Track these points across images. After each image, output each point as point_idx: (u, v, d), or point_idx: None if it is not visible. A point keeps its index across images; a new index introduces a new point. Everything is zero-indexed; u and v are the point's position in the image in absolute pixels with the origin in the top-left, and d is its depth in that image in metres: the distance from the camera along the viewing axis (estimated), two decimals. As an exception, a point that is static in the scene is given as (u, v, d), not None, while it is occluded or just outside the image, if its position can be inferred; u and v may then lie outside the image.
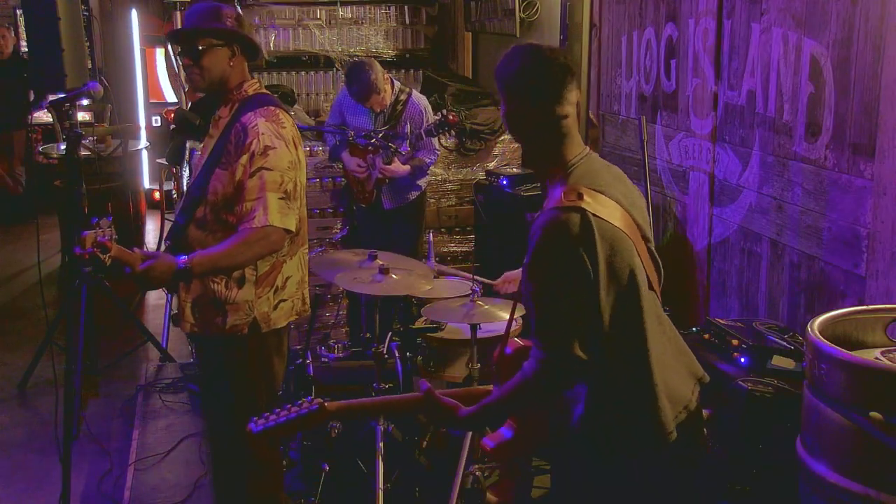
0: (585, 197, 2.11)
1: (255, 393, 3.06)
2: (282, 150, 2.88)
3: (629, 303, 2.13)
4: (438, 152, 5.29)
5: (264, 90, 3.10)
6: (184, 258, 2.74)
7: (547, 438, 2.29)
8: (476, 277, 3.77)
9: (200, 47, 2.96)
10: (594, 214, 2.09)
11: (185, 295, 3.03)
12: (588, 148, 2.25)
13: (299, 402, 2.21)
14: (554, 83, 2.14)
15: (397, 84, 5.11)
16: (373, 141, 4.88)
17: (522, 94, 2.16)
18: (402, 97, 5.07)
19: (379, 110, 5.02)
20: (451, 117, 4.70)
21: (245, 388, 3.04)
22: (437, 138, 5.09)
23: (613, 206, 2.16)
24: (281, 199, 2.85)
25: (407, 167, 5.02)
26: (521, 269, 3.91)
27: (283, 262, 3.01)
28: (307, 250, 3.18)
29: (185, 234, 2.97)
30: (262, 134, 2.86)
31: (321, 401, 2.20)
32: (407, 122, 5.01)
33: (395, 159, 4.95)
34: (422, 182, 5.27)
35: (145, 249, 2.80)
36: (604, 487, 2.22)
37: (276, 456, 3.25)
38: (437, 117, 4.86)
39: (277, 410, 2.19)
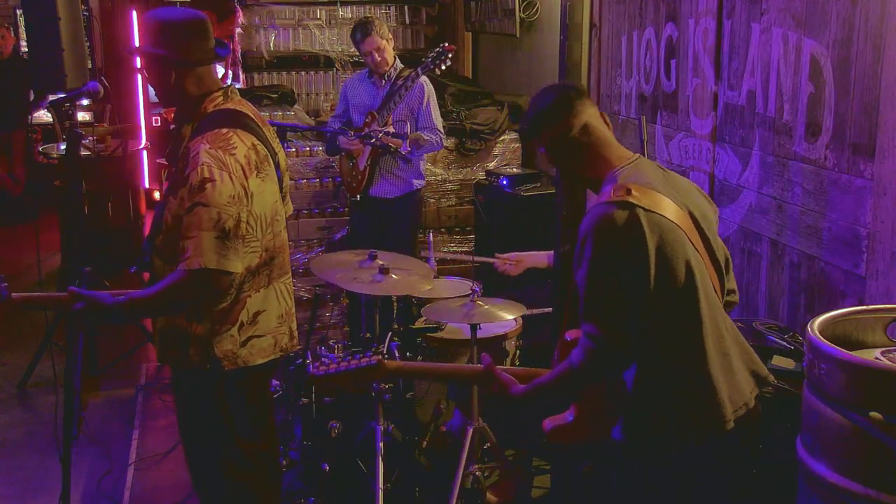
0: (634, 192, 2.18)
1: (225, 425, 2.89)
2: (222, 182, 2.59)
3: (685, 293, 2.19)
4: (442, 133, 5.13)
5: (227, 104, 2.80)
6: (122, 299, 2.64)
7: (607, 433, 2.34)
8: (476, 258, 3.78)
9: (146, 68, 2.79)
10: (643, 207, 2.16)
11: (154, 322, 2.91)
12: (639, 155, 2.36)
13: (359, 354, 2.31)
14: (559, 101, 2.32)
15: (399, 63, 5.10)
16: (369, 123, 4.89)
17: (540, 126, 2.33)
18: (410, 76, 4.95)
19: (378, 60, 4.97)
20: (447, 45, 4.70)
21: (213, 421, 2.89)
22: (435, 116, 5.00)
23: (666, 202, 2.23)
24: (217, 237, 2.57)
25: (400, 141, 4.90)
26: (528, 253, 3.96)
27: (247, 297, 2.78)
28: (290, 279, 2.95)
29: (151, 263, 2.84)
30: (202, 165, 2.59)
31: (380, 357, 2.32)
32: (406, 101, 4.95)
33: (389, 120, 4.89)
34: (417, 182, 5.20)
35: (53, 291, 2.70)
36: (656, 477, 2.29)
37: (264, 479, 3.08)
38: (432, 51, 4.85)
39: (339, 358, 2.31)
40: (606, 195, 2.21)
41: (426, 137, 5.00)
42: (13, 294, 2.65)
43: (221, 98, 2.81)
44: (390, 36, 5.07)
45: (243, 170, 2.67)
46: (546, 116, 2.33)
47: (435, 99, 5.13)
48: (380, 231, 5.11)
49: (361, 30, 4.98)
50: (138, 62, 2.95)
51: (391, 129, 4.80)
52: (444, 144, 5.85)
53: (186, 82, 2.77)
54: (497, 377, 2.34)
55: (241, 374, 2.82)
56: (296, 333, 2.99)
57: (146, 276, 2.92)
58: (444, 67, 4.94)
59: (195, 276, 2.58)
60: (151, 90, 9.56)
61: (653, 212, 2.17)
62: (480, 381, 2.37)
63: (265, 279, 2.82)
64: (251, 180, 2.69)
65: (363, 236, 5.14)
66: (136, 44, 2.94)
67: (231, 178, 2.62)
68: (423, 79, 5.04)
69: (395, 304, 3.89)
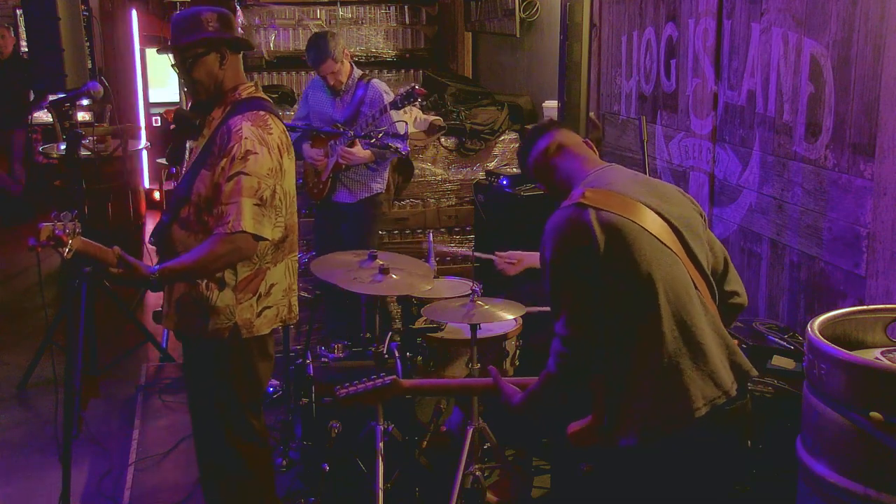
0: (587, 193, 2.27)
1: (239, 396, 3.05)
2: (263, 156, 2.82)
3: (641, 287, 2.22)
4: (406, 138, 5.03)
5: (260, 94, 3.05)
6: (155, 269, 2.74)
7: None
8: (476, 254, 3.78)
9: (189, 60, 2.93)
10: (595, 207, 2.23)
11: (170, 293, 3.02)
12: (612, 164, 2.49)
13: (374, 377, 2.62)
14: (535, 131, 2.57)
15: (357, 70, 5.07)
16: (339, 129, 4.86)
17: (526, 152, 2.56)
18: (364, 80, 5.00)
19: (333, 83, 4.94)
20: (417, 88, 4.63)
21: (228, 391, 3.03)
22: (403, 121, 4.94)
23: (626, 201, 2.27)
24: (256, 205, 2.79)
25: (368, 152, 4.91)
26: (527, 252, 4.00)
27: (267, 269, 2.98)
28: (296, 258, 3.15)
29: (170, 233, 2.96)
30: (245, 138, 2.81)
31: (395, 377, 2.63)
32: (366, 103, 4.93)
33: (357, 142, 4.86)
34: (376, 185, 5.10)
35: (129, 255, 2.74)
36: (627, 469, 2.31)
37: (267, 461, 3.24)
38: (402, 90, 4.78)
39: (358, 382, 2.63)
40: (567, 200, 2.32)
41: (393, 147, 4.98)
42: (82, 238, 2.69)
43: (253, 88, 3.05)
44: (346, 50, 4.98)
45: (279, 148, 2.91)
46: (528, 146, 2.56)
47: (392, 96, 5.08)
48: (340, 232, 5.06)
49: (315, 55, 4.86)
50: (172, 59, 3.02)
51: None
52: (444, 144, 5.87)
53: (226, 69, 2.96)
54: (501, 389, 2.45)
55: (252, 343, 3.00)
56: (295, 307, 3.16)
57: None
58: (413, 106, 4.90)
59: (236, 239, 2.76)
60: (147, 91, 9.65)
61: (606, 211, 2.23)
62: (489, 394, 2.51)
63: (281, 254, 3.02)
64: (284, 158, 2.94)
65: (325, 237, 5.12)
66: (179, 38, 2.97)
67: (269, 153, 2.85)
68: (383, 86, 5.02)
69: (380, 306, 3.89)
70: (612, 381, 2.26)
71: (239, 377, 3.03)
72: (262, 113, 2.91)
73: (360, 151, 4.91)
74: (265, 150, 2.83)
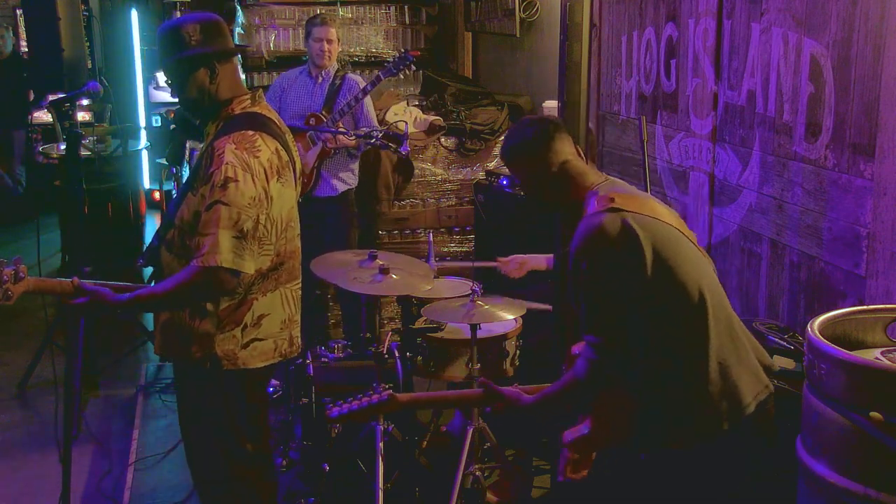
0: (617, 200, 2.23)
1: (222, 424, 2.91)
2: (245, 183, 2.63)
3: (687, 286, 2.21)
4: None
5: (255, 107, 2.86)
6: (126, 296, 2.67)
7: (625, 439, 2.38)
8: (477, 263, 3.79)
9: (177, 80, 2.81)
10: (631, 211, 2.20)
11: (157, 316, 2.93)
12: (610, 177, 2.44)
13: (370, 392, 2.44)
14: (538, 138, 2.38)
15: (337, 65, 5.15)
16: (311, 119, 4.89)
17: (518, 161, 2.42)
18: (340, 74, 5.09)
19: (325, 50, 5.00)
20: (411, 51, 4.69)
21: (212, 419, 2.91)
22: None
23: (653, 203, 2.29)
24: (235, 237, 2.61)
25: (353, 140, 4.94)
26: (529, 255, 3.99)
27: (254, 299, 2.80)
28: (298, 286, 2.96)
29: (158, 256, 2.86)
30: (227, 163, 2.63)
31: (391, 392, 2.45)
32: (346, 93, 5.00)
33: (340, 125, 4.91)
34: (350, 180, 5.18)
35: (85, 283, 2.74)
36: (656, 479, 2.33)
37: (264, 479, 3.10)
38: (396, 54, 4.84)
39: (352, 399, 2.44)
40: (592, 208, 2.25)
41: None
42: (28, 277, 2.69)
43: (249, 101, 2.85)
44: (339, 38, 5.14)
45: (266, 173, 2.70)
46: (524, 152, 2.41)
47: (369, 99, 5.13)
48: (320, 231, 5.03)
49: (322, 18, 5.06)
50: (163, 76, 2.93)
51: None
52: (444, 144, 5.87)
53: (218, 82, 2.80)
54: (501, 394, 2.42)
55: (239, 376, 2.84)
56: (297, 340, 2.99)
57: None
58: (408, 72, 4.93)
59: (208, 273, 2.61)
60: (149, 91, 9.65)
61: (641, 214, 2.21)
62: (487, 403, 2.45)
63: (273, 283, 2.84)
64: (272, 184, 2.73)
65: (305, 236, 5.12)
66: (162, 57, 2.88)
67: (254, 180, 2.66)
68: (358, 78, 5.11)
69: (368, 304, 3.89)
70: (650, 388, 2.25)
71: (226, 403, 2.89)
72: (249, 133, 2.71)
73: (345, 139, 4.93)
74: (248, 177, 2.64)
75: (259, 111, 2.86)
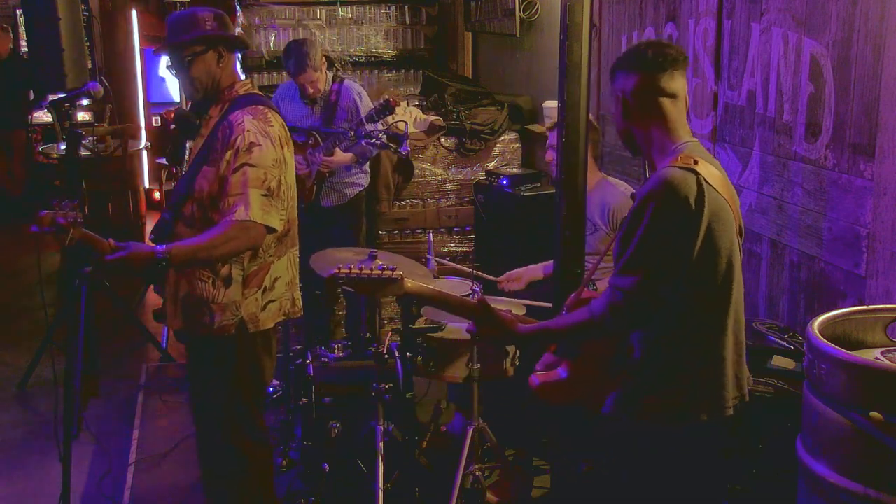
0: (700, 165, 2.22)
1: (244, 393, 3.07)
2: (267, 147, 2.86)
3: (722, 271, 2.22)
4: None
5: (255, 91, 3.09)
6: (162, 247, 2.74)
7: (598, 403, 2.34)
8: (478, 273, 3.79)
9: (187, 59, 2.95)
10: (706, 180, 2.20)
11: (173, 293, 3.02)
12: (695, 139, 2.36)
13: (382, 266, 2.34)
14: (666, 60, 2.27)
15: (330, 74, 5.07)
16: (311, 139, 4.86)
17: (636, 69, 2.29)
18: (337, 82, 5.02)
19: (312, 92, 4.93)
20: (391, 100, 4.62)
21: (233, 388, 3.05)
22: (379, 123, 4.93)
23: (723, 180, 2.28)
24: (263, 195, 2.82)
25: (350, 155, 4.93)
26: (524, 267, 3.97)
27: (272, 262, 3.01)
28: (297, 252, 3.17)
29: (172, 231, 2.98)
30: (248, 131, 2.85)
31: (402, 274, 2.35)
32: (343, 111, 4.95)
33: (336, 148, 4.87)
34: (361, 180, 5.19)
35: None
36: (649, 454, 2.31)
37: (267, 460, 3.24)
38: (376, 103, 4.77)
39: (361, 265, 2.33)
40: (672, 160, 2.23)
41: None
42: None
43: (250, 85, 3.10)
44: (323, 60, 4.97)
45: (280, 140, 2.95)
46: (647, 64, 2.29)
47: (367, 98, 5.09)
48: (324, 229, 5.04)
49: (295, 65, 4.83)
50: (167, 61, 3.03)
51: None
52: (444, 144, 5.86)
53: (223, 67, 2.99)
54: (495, 315, 2.36)
55: (257, 337, 3.01)
56: (298, 301, 3.17)
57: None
58: (389, 120, 4.83)
59: (243, 228, 2.78)
60: (147, 90, 9.65)
61: (713, 186, 2.21)
62: (480, 321, 2.39)
63: (283, 248, 3.05)
64: (286, 151, 2.98)
65: (312, 238, 5.12)
66: (174, 38, 2.97)
67: (273, 144, 2.89)
68: (356, 87, 5.04)
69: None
70: (653, 352, 2.25)
71: (244, 374, 3.04)
72: (261, 107, 2.94)
73: (340, 156, 4.92)
74: (268, 142, 2.86)
75: (259, 94, 3.07)
